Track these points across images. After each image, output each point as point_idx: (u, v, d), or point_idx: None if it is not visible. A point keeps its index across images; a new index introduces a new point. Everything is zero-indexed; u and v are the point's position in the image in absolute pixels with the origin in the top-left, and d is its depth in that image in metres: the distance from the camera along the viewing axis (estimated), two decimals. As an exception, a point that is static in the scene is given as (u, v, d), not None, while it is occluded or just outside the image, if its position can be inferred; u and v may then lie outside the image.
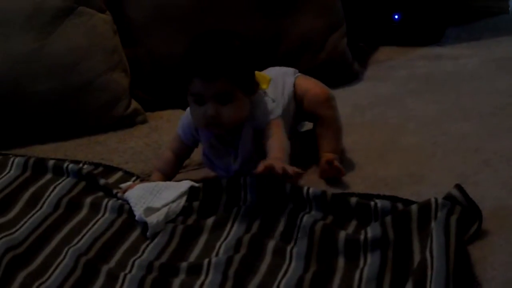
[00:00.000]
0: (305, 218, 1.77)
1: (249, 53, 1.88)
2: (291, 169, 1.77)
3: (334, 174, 2.00)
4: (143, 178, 2.10)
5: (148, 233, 1.79)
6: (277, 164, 1.77)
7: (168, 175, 2.01)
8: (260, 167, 1.76)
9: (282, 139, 1.90)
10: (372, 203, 1.79)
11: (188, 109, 1.93)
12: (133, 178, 2.10)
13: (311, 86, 2.10)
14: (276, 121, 1.91)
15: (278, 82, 2.05)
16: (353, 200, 1.81)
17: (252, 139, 1.91)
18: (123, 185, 2.00)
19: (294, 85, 2.09)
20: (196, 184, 1.92)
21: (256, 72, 1.94)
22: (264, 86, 1.95)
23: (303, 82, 2.10)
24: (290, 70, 2.15)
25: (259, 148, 1.91)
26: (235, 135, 1.91)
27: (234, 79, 1.82)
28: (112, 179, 2.08)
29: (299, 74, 2.16)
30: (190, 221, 1.83)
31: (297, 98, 2.08)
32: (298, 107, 2.09)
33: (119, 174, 2.13)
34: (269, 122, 1.90)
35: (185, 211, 1.86)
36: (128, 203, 1.88)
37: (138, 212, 1.82)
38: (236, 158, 1.93)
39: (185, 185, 1.90)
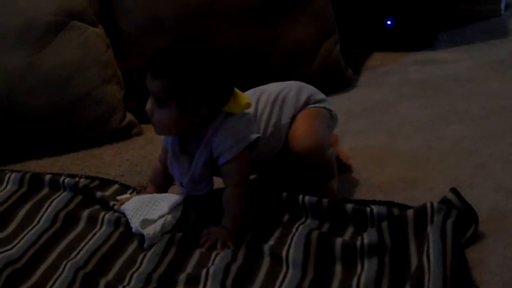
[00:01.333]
0: (300, 228, 1.78)
1: (212, 75, 1.73)
2: (231, 245, 1.76)
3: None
4: (140, 190, 2.10)
5: (145, 245, 1.79)
6: (220, 240, 1.77)
7: (160, 186, 1.99)
8: (205, 245, 1.77)
9: (232, 196, 1.80)
10: (368, 209, 1.79)
11: None
12: (130, 191, 2.10)
13: (300, 132, 1.90)
14: (237, 158, 1.78)
15: (267, 108, 1.90)
16: (349, 206, 1.81)
17: (205, 165, 1.81)
18: (119, 197, 2.00)
19: (292, 119, 1.93)
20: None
21: (239, 93, 1.80)
22: (235, 109, 1.79)
23: (298, 122, 1.92)
24: (301, 100, 1.95)
25: (213, 172, 1.84)
26: (195, 149, 1.83)
27: (173, 90, 1.72)
28: (108, 192, 2.08)
29: (311, 107, 1.96)
30: (186, 231, 1.84)
31: (287, 137, 1.93)
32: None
33: (115, 186, 2.13)
34: (229, 160, 1.78)
35: (181, 222, 1.86)
36: (125, 216, 1.89)
37: (135, 224, 1.83)
38: (189, 170, 1.84)
39: (180, 196, 1.90)
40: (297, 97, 1.95)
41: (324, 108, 1.98)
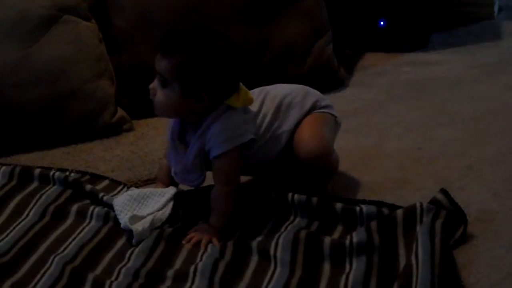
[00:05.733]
0: (289, 227, 1.78)
1: (219, 62, 1.74)
2: (216, 243, 1.76)
3: None
4: (130, 186, 2.10)
5: (133, 241, 1.79)
6: (205, 239, 1.77)
7: (166, 183, 1.98)
8: (190, 242, 1.77)
9: (220, 193, 1.80)
10: (358, 208, 1.79)
11: None
12: (120, 186, 2.10)
13: (307, 137, 1.88)
14: (228, 155, 1.77)
15: (270, 112, 1.88)
16: (339, 205, 1.81)
17: (197, 156, 1.80)
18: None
19: (297, 124, 1.91)
20: (181, 190, 1.92)
21: (243, 89, 1.80)
22: (236, 103, 1.78)
23: (304, 127, 1.90)
24: (307, 106, 1.93)
25: (207, 166, 1.83)
26: (192, 138, 1.82)
27: (179, 70, 1.72)
28: (98, 187, 2.08)
29: (317, 112, 1.94)
30: (175, 228, 1.84)
31: (292, 141, 1.90)
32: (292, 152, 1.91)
33: (105, 182, 2.13)
34: (220, 155, 1.77)
35: (170, 218, 1.86)
36: (114, 210, 1.88)
37: (123, 220, 1.83)
38: (182, 159, 1.84)
39: (170, 191, 1.90)
40: (302, 103, 1.92)
41: (329, 113, 1.96)
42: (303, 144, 1.87)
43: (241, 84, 1.81)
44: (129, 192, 1.93)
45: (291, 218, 1.84)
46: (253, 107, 1.85)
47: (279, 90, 1.94)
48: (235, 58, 1.78)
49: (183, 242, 1.78)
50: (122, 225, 1.83)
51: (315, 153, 1.87)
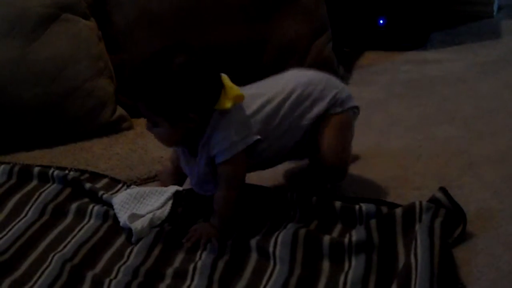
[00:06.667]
0: (289, 225, 1.78)
1: (186, 80, 1.69)
2: (215, 242, 1.75)
3: None
4: (129, 184, 2.10)
5: (132, 239, 1.79)
6: (204, 237, 1.77)
7: (167, 186, 1.97)
8: (189, 241, 1.77)
9: (223, 198, 1.79)
10: (357, 206, 1.79)
11: None
12: (119, 185, 2.10)
13: (328, 143, 1.88)
14: (228, 164, 1.76)
15: (287, 104, 1.84)
16: (338, 204, 1.81)
17: (206, 165, 1.79)
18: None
19: (319, 123, 1.88)
20: (181, 189, 1.92)
21: (229, 86, 1.75)
22: (226, 105, 1.73)
23: (328, 132, 1.88)
24: (327, 99, 1.89)
25: (215, 172, 1.81)
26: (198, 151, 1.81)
27: (153, 108, 1.72)
28: (98, 186, 2.08)
29: (340, 112, 1.91)
30: (174, 226, 1.83)
31: (317, 143, 1.88)
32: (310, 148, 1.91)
33: (105, 180, 2.13)
34: (222, 164, 1.76)
35: (170, 216, 1.86)
36: (113, 208, 1.88)
37: (123, 218, 1.83)
38: (195, 172, 1.84)
39: (170, 190, 1.90)
40: (323, 94, 1.89)
41: (351, 108, 1.94)
42: (328, 154, 1.87)
43: (227, 81, 1.76)
44: (129, 190, 1.93)
45: (291, 216, 1.84)
46: (266, 96, 1.82)
47: (299, 79, 1.90)
48: (202, 66, 1.72)
49: (183, 241, 1.78)
50: (121, 223, 1.83)
51: (338, 164, 1.90)
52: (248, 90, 1.82)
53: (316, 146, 1.88)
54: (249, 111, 1.79)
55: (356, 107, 1.96)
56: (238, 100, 1.76)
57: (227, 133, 1.74)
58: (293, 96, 1.85)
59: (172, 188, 1.90)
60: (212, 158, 1.77)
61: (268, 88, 1.86)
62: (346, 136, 1.93)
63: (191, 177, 1.87)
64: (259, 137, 1.79)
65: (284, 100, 1.84)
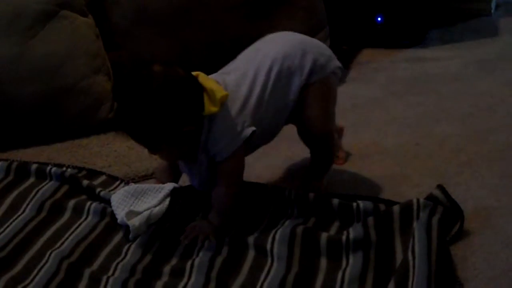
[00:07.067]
0: (286, 222, 1.78)
1: (166, 101, 1.66)
2: (213, 239, 1.76)
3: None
4: (127, 181, 2.10)
5: (130, 236, 1.79)
6: (202, 234, 1.77)
7: (164, 183, 1.95)
8: (187, 238, 1.77)
9: (222, 194, 1.79)
10: (354, 204, 1.79)
11: None
12: (117, 182, 2.09)
13: (314, 114, 1.88)
14: (229, 161, 1.76)
15: (273, 89, 1.81)
16: (335, 201, 1.81)
17: (207, 167, 1.79)
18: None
19: (302, 93, 1.86)
20: (179, 186, 1.91)
21: (210, 88, 1.72)
22: (214, 108, 1.71)
23: (309, 103, 1.87)
24: (307, 66, 1.85)
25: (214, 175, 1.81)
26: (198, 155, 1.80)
27: (148, 138, 1.72)
28: (95, 183, 2.07)
29: (320, 81, 1.88)
30: (172, 223, 1.83)
31: (302, 115, 1.89)
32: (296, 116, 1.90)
33: (102, 177, 2.13)
34: (222, 161, 1.76)
35: (167, 214, 1.86)
36: (110, 206, 1.88)
37: (120, 215, 1.82)
38: (195, 176, 1.84)
39: (167, 187, 1.89)
40: (301, 65, 1.85)
41: (332, 72, 1.91)
42: (313, 124, 1.88)
43: (206, 81, 1.73)
44: (126, 187, 1.93)
45: (288, 214, 1.84)
46: (246, 81, 1.80)
47: (275, 51, 1.86)
48: (179, 77, 1.70)
49: (181, 238, 1.78)
50: (119, 221, 1.83)
51: (322, 133, 1.91)
52: (228, 77, 1.81)
53: (301, 117, 1.89)
54: (236, 105, 1.77)
55: (339, 67, 1.94)
56: (224, 100, 1.73)
57: (223, 132, 1.74)
58: (272, 76, 1.82)
59: (170, 185, 1.90)
60: (212, 159, 1.77)
61: (247, 67, 1.83)
62: (328, 103, 1.92)
63: (192, 179, 1.87)
64: (254, 128, 1.78)
65: (265, 83, 1.81)
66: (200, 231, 1.78)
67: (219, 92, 1.72)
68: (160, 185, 1.92)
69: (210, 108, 1.71)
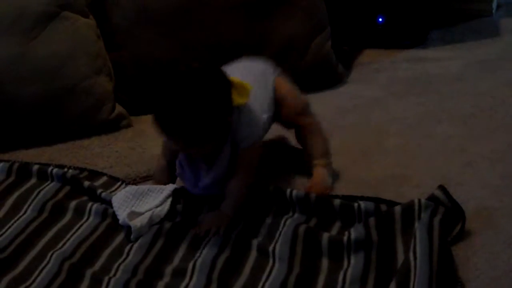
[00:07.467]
0: (288, 222, 1.78)
1: (211, 102, 1.72)
2: (223, 229, 1.78)
3: (322, 191, 1.95)
4: (128, 182, 2.10)
5: (132, 237, 1.79)
6: (215, 225, 1.79)
7: (164, 183, 1.97)
8: (200, 230, 1.79)
9: (241, 183, 1.85)
10: (356, 204, 1.79)
11: None
12: (118, 183, 2.09)
13: (288, 94, 2.05)
14: (251, 150, 1.85)
15: (261, 85, 1.98)
16: (337, 202, 1.81)
17: (229, 158, 1.85)
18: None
19: (275, 87, 2.04)
20: (179, 187, 1.92)
21: (236, 82, 1.81)
22: (243, 100, 1.81)
23: (281, 87, 2.05)
24: (269, 68, 2.09)
25: (233, 167, 1.86)
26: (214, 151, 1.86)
27: (197, 138, 1.74)
28: (97, 184, 2.07)
29: (277, 74, 2.10)
30: (173, 223, 1.83)
31: (276, 101, 2.03)
32: (277, 111, 2.04)
33: (104, 178, 2.13)
34: (245, 149, 1.84)
35: (169, 214, 1.86)
36: (112, 206, 1.88)
37: (122, 216, 1.82)
38: (209, 172, 1.86)
39: (169, 188, 1.90)
40: (263, 69, 2.07)
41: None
42: (286, 102, 2.03)
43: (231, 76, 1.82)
44: (128, 188, 1.93)
45: (290, 214, 1.84)
46: (244, 78, 1.89)
47: (247, 65, 2.07)
48: (211, 70, 1.78)
49: (194, 230, 1.79)
50: (120, 221, 1.83)
51: (299, 108, 2.05)
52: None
53: (279, 103, 2.03)
54: (252, 97, 1.85)
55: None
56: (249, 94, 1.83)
57: (250, 122, 1.85)
58: (256, 77, 1.99)
59: (171, 186, 1.90)
60: (234, 151, 1.84)
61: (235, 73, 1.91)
62: (292, 85, 2.09)
63: (194, 180, 1.88)
64: (270, 113, 1.96)
65: (255, 81, 1.93)
66: (213, 223, 1.79)
67: (246, 85, 1.83)
68: (162, 186, 1.92)
69: (239, 99, 1.80)
